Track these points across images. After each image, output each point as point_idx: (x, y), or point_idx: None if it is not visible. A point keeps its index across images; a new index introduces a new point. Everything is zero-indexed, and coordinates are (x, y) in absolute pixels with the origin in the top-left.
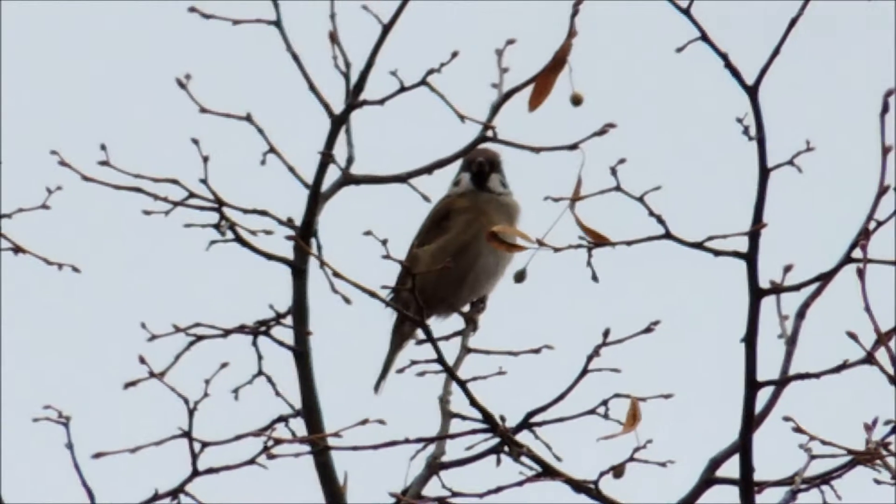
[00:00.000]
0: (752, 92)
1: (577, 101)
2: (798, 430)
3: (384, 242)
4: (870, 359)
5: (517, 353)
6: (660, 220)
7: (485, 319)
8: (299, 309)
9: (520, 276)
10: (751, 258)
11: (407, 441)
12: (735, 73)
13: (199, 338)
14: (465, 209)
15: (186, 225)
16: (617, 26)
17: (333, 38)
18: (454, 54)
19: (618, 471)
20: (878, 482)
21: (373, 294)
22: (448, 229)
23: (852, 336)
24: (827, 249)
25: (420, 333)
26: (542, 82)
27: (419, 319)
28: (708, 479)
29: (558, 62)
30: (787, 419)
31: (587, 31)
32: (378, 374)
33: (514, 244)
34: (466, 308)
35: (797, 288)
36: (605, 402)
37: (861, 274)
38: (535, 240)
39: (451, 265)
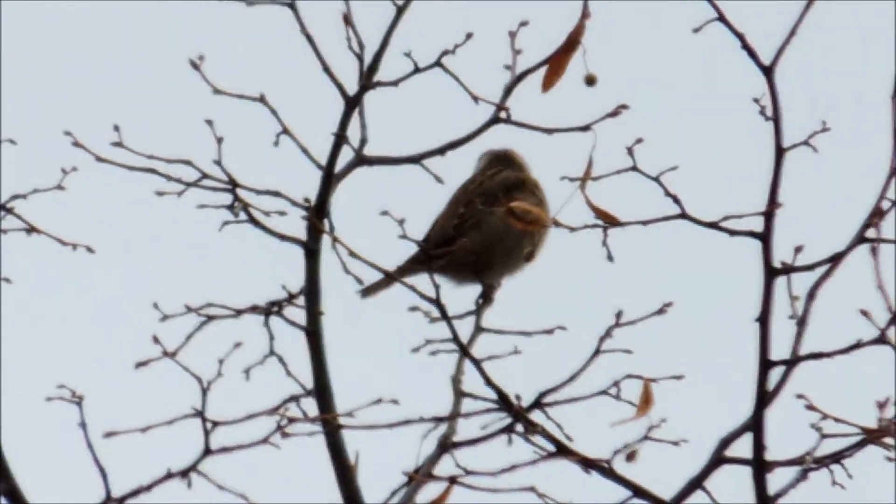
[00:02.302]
0: (768, 72)
1: (591, 81)
2: (811, 407)
3: (401, 222)
4: (883, 338)
5: (530, 334)
6: (675, 200)
7: (499, 298)
8: (311, 289)
9: (529, 256)
10: (766, 238)
11: (419, 420)
12: (751, 54)
13: (212, 318)
14: (537, 187)
15: (200, 206)
16: (631, 7)
17: (347, 19)
18: (468, 36)
19: (630, 454)
20: (889, 460)
21: (387, 274)
22: (519, 200)
23: (865, 314)
24: (842, 229)
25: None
26: (556, 63)
27: (434, 298)
28: (719, 459)
29: (571, 43)
30: (799, 396)
31: (601, 12)
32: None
33: (532, 222)
34: (489, 282)
35: (810, 268)
36: (616, 383)
37: (875, 252)
38: (552, 220)
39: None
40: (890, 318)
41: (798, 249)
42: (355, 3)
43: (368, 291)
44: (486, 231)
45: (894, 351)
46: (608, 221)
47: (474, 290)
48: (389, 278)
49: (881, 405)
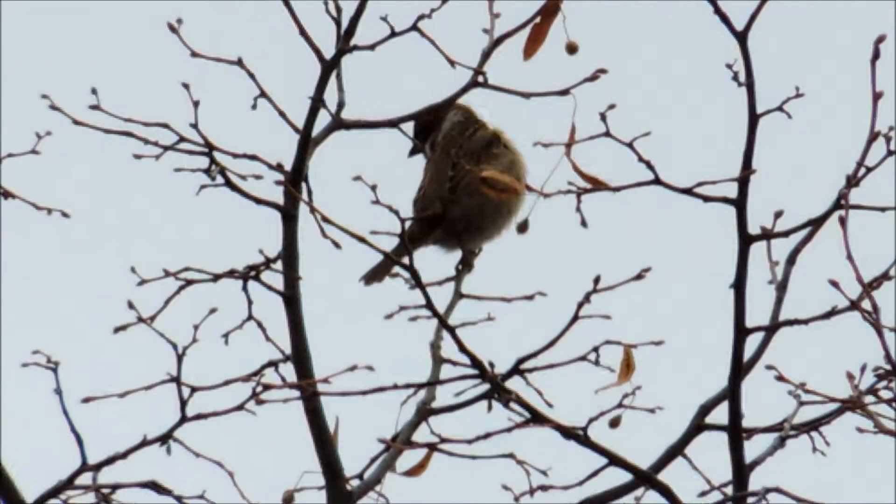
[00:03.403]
0: (741, 38)
1: (572, 49)
2: (781, 378)
3: (374, 188)
4: (855, 307)
5: (510, 300)
6: (649, 166)
7: (478, 264)
8: (289, 254)
9: (523, 227)
10: (740, 204)
11: (397, 387)
12: (725, 19)
13: (189, 282)
14: (511, 143)
15: (177, 169)
16: None
17: None
18: (445, 0)
19: (614, 421)
20: (861, 430)
21: (362, 240)
22: (498, 156)
23: (834, 284)
24: (817, 195)
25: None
26: (536, 31)
27: (408, 265)
28: (698, 426)
29: (551, 10)
30: (769, 367)
31: None
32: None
33: (505, 190)
34: (473, 248)
35: (787, 234)
36: (595, 349)
37: (843, 222)
38: (525, 186)
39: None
40: (862, 289)
41: (778, 215)
42: None
43: (373, 278)
44: (477, 193)
45: (866, 319)
46: (595, 186)
47: (457, 256)
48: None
49: (852, 376)
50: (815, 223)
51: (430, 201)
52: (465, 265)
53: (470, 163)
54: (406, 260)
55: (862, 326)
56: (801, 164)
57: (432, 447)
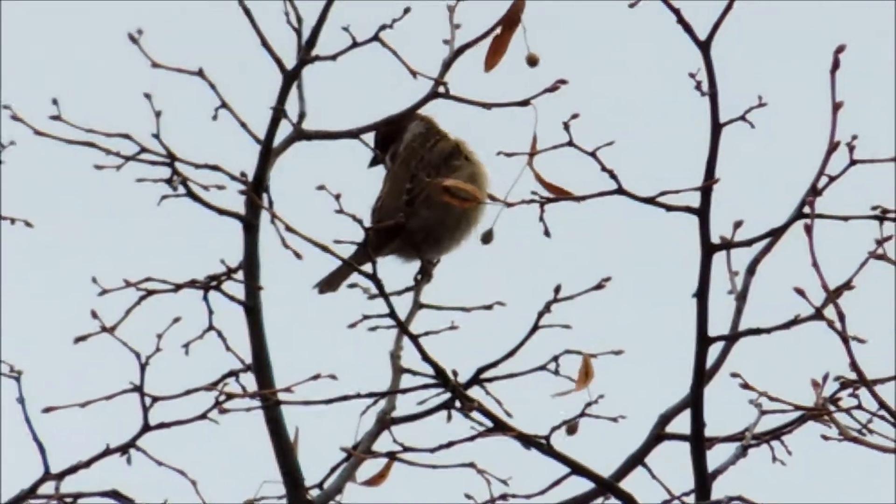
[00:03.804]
0: (704, 47)
1: (532, 61)
2: (746, 386)
3: (338, 197)
4: (819, 315)
5: (469, 309)
6: (612, 175)
7: (437, 274)
8: (250, 264)
9: (487, 237)
10: (702, 213)
11: (358, 396)
12: (687, 29)
13: (151, 292)
14: (472, 154)
15: (138, 180)
16: None
17: None
18: (406, 10)
19: (571, 427)
20: (826, 438)
21: (325, 248)
22: (458, 168)
23: (800, 292)
24: (779, 205)
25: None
26: (497, 42)
27: (371, 274)
28: (659, 435)
29: (512, 20)
30: (734, 375)
31: None
32: (327, 275)
33: (467, 199)
34: (433, 258)
35: (748, 243)
36: (555, 359)
37: (808, 230)
38: (488, 195)
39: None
40: (826, 296)
41: (738, 224)
42: None
43: (327, 286)
44: (435, 204)
45: (831, 327)
46: (558, 195)
47: (416, 266)
48: (347, 267)
49: (816, 384)
50: (777, 232)
51: (388, 213)
52: (424, 275)
53: (429, 175)
54: (369, 269)
55: (826, 335)
56: (764, 173)
57: (393, 456)
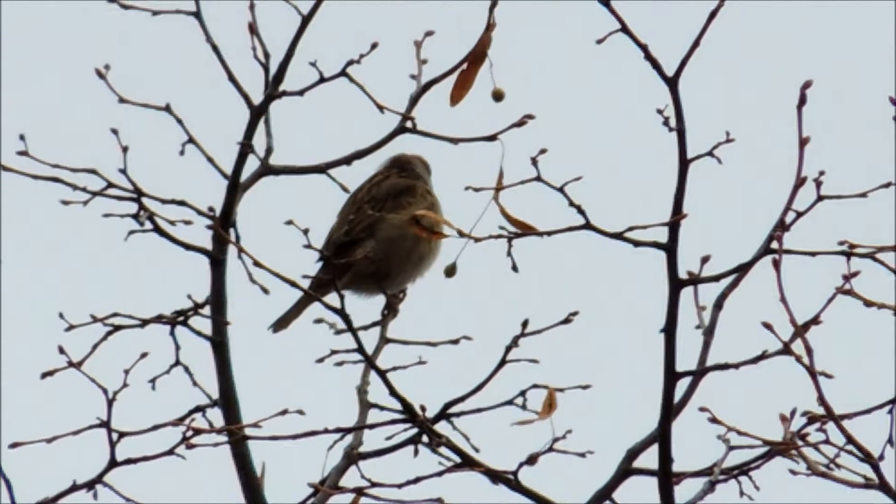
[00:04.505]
0: (672, 83)
1: (498, 96)
2: (714, 420)
3: (306, 232)
4: (787, 350)
5: (436, 344)
6: (580, 211)
7: (404, 308)
8: (217, 299)
9: (450, 271)
10: (670, 249)
11: (325, 431)
12: (655, 65)
13: (117, 328)
14: (429, 193)
15: (105, 215)
16: (538, 18)
17: (252, 29)
18: (374, 46)
19: (532, 459)
20: (794, 473)
21: (292, 283)
22: (410, 204)
23: (768, 327)
24: (747, 240)
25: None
26: (463, 77)
27: (339, 309)
28: (626, 470)
29: (478, 55)
30: (702, 409)
31: (507, 24)
32: (281, 315)
33: (436, 231)
34: (394, 293)
35: (716, 279)
36: (523, 393)
37: (777, 265)
38: (457, 229)
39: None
40: (794, 331)
41: (705, 260)
42: (260, 12)
43: (280, 325)
44: (380, 237)
45: (799, 362)
46: (523, 230)
47: (380, 301)
48: (300, 306)
49: (785, 419)
50: (745, 268)
51: (330, 246)
52: (391, 310)
53: (374, 209)
54: (337, 304)
55: (794, 370)
56: (732, 209)
57: (360, 491)
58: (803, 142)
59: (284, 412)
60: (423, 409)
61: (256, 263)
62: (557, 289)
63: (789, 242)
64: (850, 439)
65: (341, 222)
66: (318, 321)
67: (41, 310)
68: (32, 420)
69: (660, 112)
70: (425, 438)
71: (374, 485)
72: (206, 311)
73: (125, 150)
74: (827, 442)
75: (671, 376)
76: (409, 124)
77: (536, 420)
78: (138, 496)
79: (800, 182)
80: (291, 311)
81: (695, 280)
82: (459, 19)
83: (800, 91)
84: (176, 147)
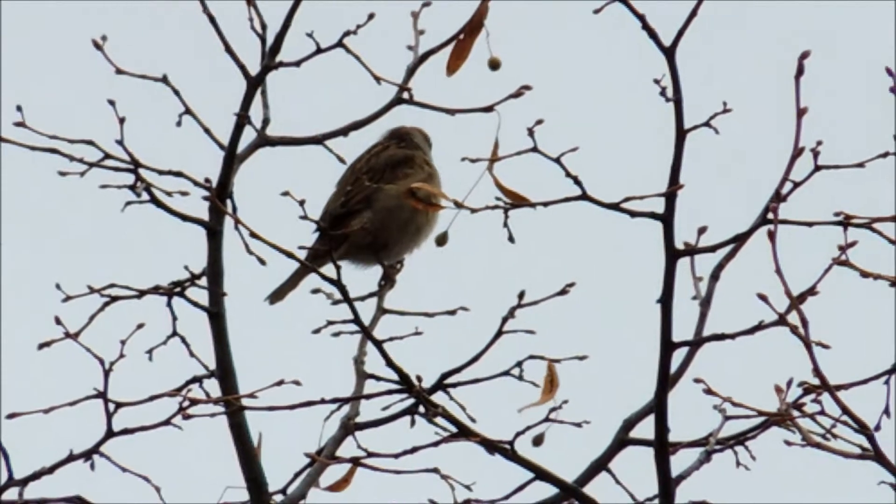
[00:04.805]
0: (669, 53)
1: (494, 65)
2: (709, 391)
3: (302, 203)
4: (783, 321)
5: (433, 315)
6: (576, 181)
7: (401, 279)
8: (214, 270)
9: (441, 239)
10: (667, 219)
11: (322, 402)
12: (652, 35)
13: (114, 298)
14: (427, 164)
15: (102, 186)
16: None
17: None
18: (370, 16)
19: (537, 440)
20: (789, 443)
21: (289, 254)
22: (407, 175)
23: (763, 298)
24: (744, 210)
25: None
26: (460, 47)
27: (336, 280)
28: (622, 440)
29: (475, 26)
30: (697, 381)
31: None
32: (277, 287)
33: (431, 203)
34: (391, 263)
35: (713, 249)
36: (519, 364)
37: (772, 237)
38: (452, 200)
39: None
40: (790, 303)
41: (701, 231)
42: None
43: (276, 296)
44: (377, 208)
45: (794, 333)
46: (517, 202)
47: (377, 272)
48: (296, 277)
49: (780, 390)
50: (741, 238)
51: (327, 216)
52: (388, 280)
53: (372, 179)
54: (334, 275)
55: (790, 341)
56: (729, 179)
57: (357, 462)
58: (801, 112)
59: (280, 383)
60: (419, 379)
61: (253, 234)
62: (554, 260)
63: (787, 213)
64: (845, 410)
65: (339, 193)
66: (316, 291)
67: (38, 280)
68: (30, 391)
69: (657, 82)
70: (422, 409)
71: (370, 455)
72: (203, 281)
73: (122, 121)
74: (822, 413)
75: (667, 347)
76: (406, 95)
77: (540, 402)
78: (135, 466)
79: (797, 152)
80: (288, 283)
81: (691, 251)
82: None
83: (797, 61)
84: (173, 118)
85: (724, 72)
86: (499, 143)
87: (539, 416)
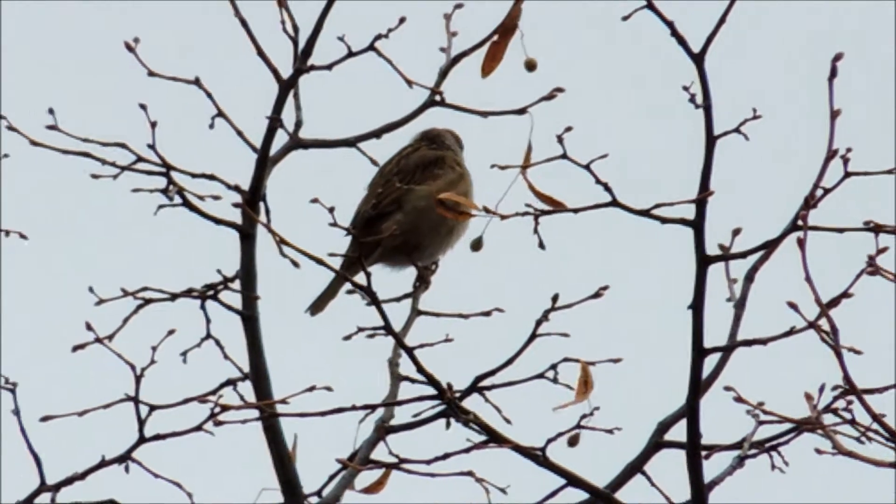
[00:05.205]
0: (698, 60)
1: (530, 66)
2: (739, 399)
3: (331, 210)
4: (813, 327)
5: (467, 316)
6: (606, 188)
7: (436, 281)
8: (247, 273)
9: (476, 245)
10: (697, 226)
11: (353, 408)
12: (681, 42)
13: (147, 301)
14: (458, 164)
15: (134, 189)
16: None
17: (281, 2)
18: (402, 20)
19: (573, 440)
20: (819, 451)
21: (321, 262)
22: (438, 176)
23: (793, 306)
24: (775, 216)
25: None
26: (494, 48)
27: (366, 286)
28: (656, 443)
29: (509, 27)
30: (728, 389)
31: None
32: (316, 297)
33: (461, 211)
34: (425, 265)
35: (743, 255)
36: (553, 367)
37: (801, 244)
38: (482, 207)
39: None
40: (819, 311)
41: (736, 232)
42: None
43: (317, 308)
44: (407, 209)
45: (824, 341)
46: (553, 206)
47: (411, 274)
48: (334, 286)
49: (810, 397)
50: (771, 244)
51: (359, 219)
52: (422, 282)
53: (403, 181)
54: (363, 281)
55: (821, 346)
56: (759, 185)
57: (391, 467)
58: (834, 114)
59: (312, 388)
60: (450, 386)
61: (283, 241)
62: (585, 266)
63: (818, 218)
64: (875, 417)
65: (370, 196)
66: (351, 292)
67: (71, 284)
68: (62, 395)
69: (686, 88)
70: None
71: (402, 461)
72: (237, 285)
73: (154, 124)
74: (853, 422)
75: (699, 352)
76: (437, 98)
77: (574, 402)
78: (167, 471)
79: (830, 155)
80: (326, 293)
81: (722, 257)
82: None
83: (831, 63)
84: (205, 121)
85: (754, 77)
86: (532, 146)
87: (572, 421)
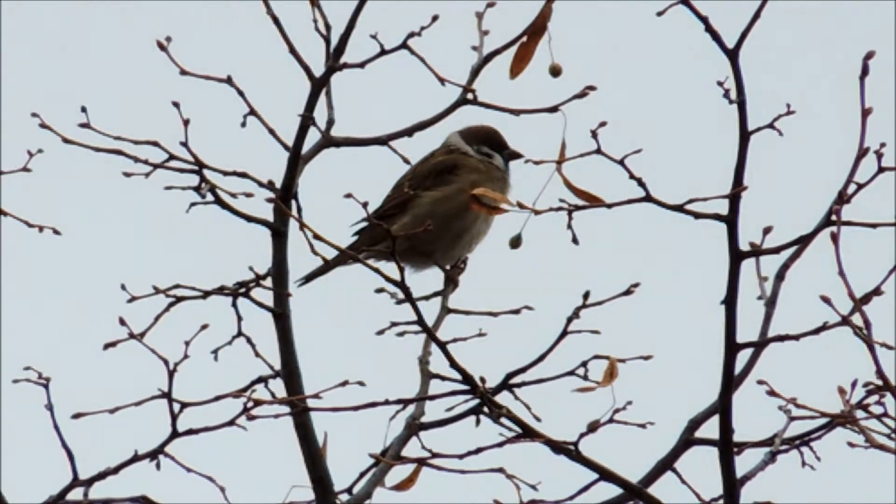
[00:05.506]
0: (732, 55)
1: (555, 72)
2: (772, 393)
3: (365, 205)
4: (846, 322)
5: (497, 314)
6: (640, 183)
7: (465, 280)
8: (279, 271)
9: (515, 242)
10: (731, 221)
11: (388, 402)
12: (715, 37)
13: (179, 299)
14: (476, 169)
15: (167, 187)
16: None
17: (314, 1)
18: (434, 18)
19: (592, 426)
20: (852, 445)
21: (352, 256)
22: (451, 182)
23: (826, 300)
24: (807, 212)
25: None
26: (523, 50)
27: (399, 281)
28: (687, 440)
29: (539, 28)
30: (761, 382)
31: None
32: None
33: (495, 207)
34: (448, 266)
35: (777, 251)
36: (584, 364)
37: (835, 239)
38: (516, 202)
39: (430, 227)
40: (853, 306)
41: (767, 230)
42: None
43: (307, 280)
44: (412, 214)
45: (857, 336)
46: (589, 201)
47: (434, 273)
48: (334, 261)
49: (843, 391)
50: (805, 240)
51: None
52: (450, 281)
53: (413, 186)
54: (398, 276)
55: (853, 342)
56: (793, 180)
57: (422, 462)
58: (865, 113)
59: (345, 383)
60: (482, 380)
61: (317, 237)
62: (618, 261)
63: (851, 214)
64: None
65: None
66: (380, 291)
67: (104, 281)
68: (95, 391)
69: (720, 84)
70: (486, 409)
71: (435, 455)
72: (268, 282)
73: (186, 122)
74: (885, 415)
75: (731, 348)
76: (470, 96)
77: (597, 388)
78: (200, 466)
79: (862, 153)
80: (320, 270)
81: (755, 252)
82: None
83: (862, 61)
84: (237, 119)
85: (789, 73)
86: (566, 144)
87: (604, 417)
